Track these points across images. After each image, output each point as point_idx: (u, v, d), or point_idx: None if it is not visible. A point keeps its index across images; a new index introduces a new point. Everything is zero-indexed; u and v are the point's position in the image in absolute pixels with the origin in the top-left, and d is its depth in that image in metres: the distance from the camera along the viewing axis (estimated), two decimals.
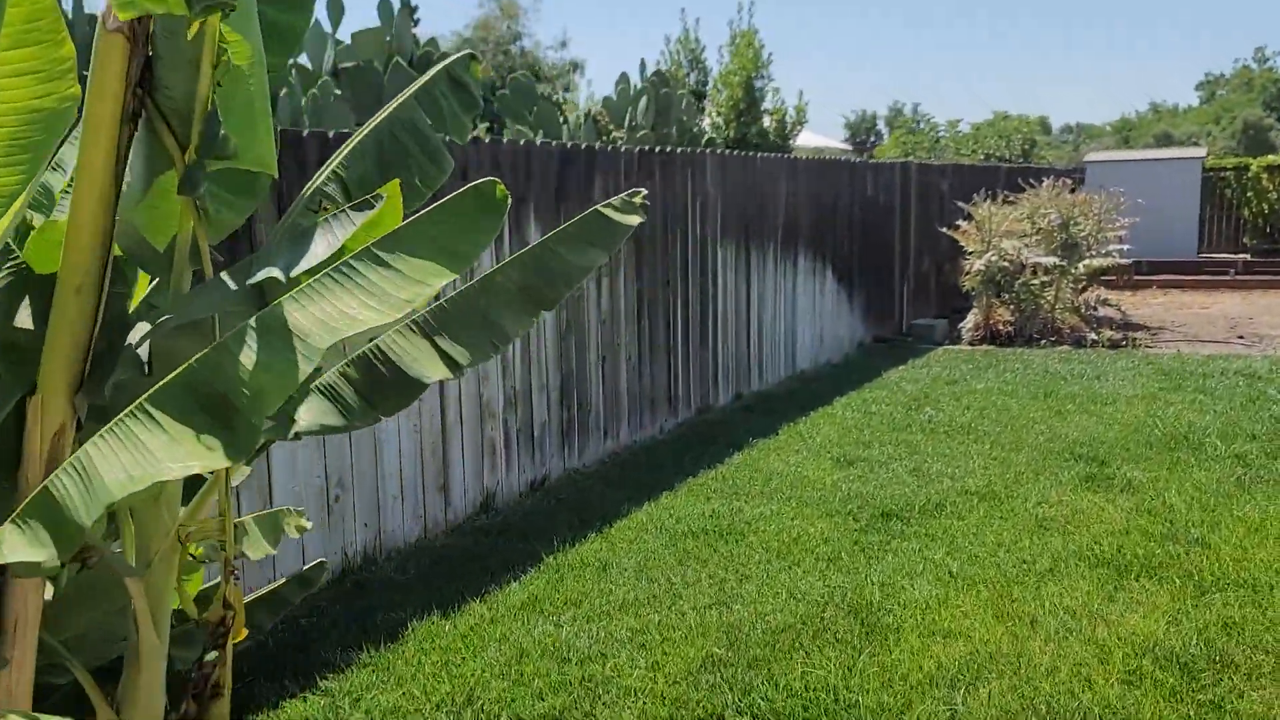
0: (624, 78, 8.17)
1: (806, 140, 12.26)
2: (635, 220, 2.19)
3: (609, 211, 2.20)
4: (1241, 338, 10.73)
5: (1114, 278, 14.73)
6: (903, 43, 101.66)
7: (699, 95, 10.29)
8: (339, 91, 5.51)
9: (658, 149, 6.72)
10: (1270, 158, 20.90)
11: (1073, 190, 11.62)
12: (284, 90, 5.13)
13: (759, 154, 8.03)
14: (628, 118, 7.95)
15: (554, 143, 5.75)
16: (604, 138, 7.58)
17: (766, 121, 9.90)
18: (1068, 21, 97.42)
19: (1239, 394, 7.49)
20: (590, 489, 5.64)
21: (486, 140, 5.22)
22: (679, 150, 6.96)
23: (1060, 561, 4.36)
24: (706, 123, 9.92)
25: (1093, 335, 10.74)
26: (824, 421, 7.11)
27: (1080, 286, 12.13)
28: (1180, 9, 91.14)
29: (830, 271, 9.70)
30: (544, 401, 5.75)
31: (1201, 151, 19.63)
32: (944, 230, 11.53)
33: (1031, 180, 12.32)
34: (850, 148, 19.60)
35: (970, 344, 10.97)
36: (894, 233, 11.42)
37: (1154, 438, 6.34)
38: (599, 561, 4.50)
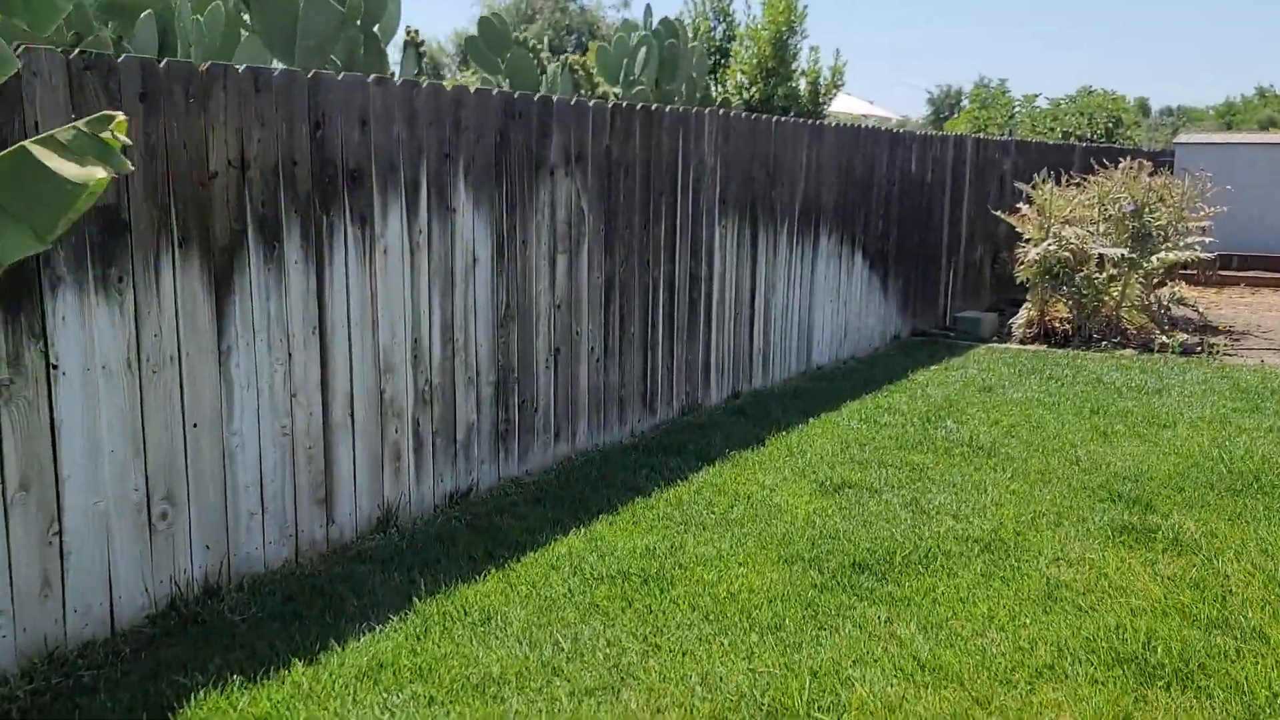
0: (626, 25, 7.17)
1: (851, 107, 11.11)
2: (97, 174, 1.26)
3: (43, 152, 1.27)
4: None
5: (1194, 273, 13.30)
6: (996, 15, 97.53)
7: (724, 52, 9.23)
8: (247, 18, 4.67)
9: (639, 105, 5.75)
10: None
11: (1152, 174, 10.29)
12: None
13: (775, 117, 7.00)
14: (623, 71, 6.97)
15: (496, 90, 4.83)
16: (583, 91, 6.62)
17: (801, 85, 8.82)
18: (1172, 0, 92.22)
19: None
20: (518, 506, 4.77)
21: (398, 81, 4.32)
22: (668, 108, 5.98)
23: (1066, 653, 3.36)
24: (730, 83, 8.88)
25: (1163, 338, 9.47)
26: (822, 432, 6.12)
27: (1154, 282, 10.81)
28: None
29: (860, 256, 8.63)
30: (472, 399, 4.87)
31: None
32: (998, 214, 10.31)
33: (1106, 161, 10.99)
34: (892, 117, 18.13)
35: (1021, 342, 9.79)
36: (942, 214, 10.24)
37: (1217, 476, 5.22)
38: (483, 610, 3.64)
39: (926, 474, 5.30)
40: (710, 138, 6.47)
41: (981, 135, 10.99)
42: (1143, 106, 60.47)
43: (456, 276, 4.71)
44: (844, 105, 10.81)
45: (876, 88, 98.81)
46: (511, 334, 5.07)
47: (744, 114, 6.68)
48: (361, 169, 4.15)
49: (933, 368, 8.13)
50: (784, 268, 7.51)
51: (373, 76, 4.16)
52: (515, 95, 4.93)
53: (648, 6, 7.09)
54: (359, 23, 4.83)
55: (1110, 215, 9.96)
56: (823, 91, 8.83)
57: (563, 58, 6.45)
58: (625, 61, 6.96)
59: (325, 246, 4.03)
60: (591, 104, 5.43)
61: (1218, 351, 8.90)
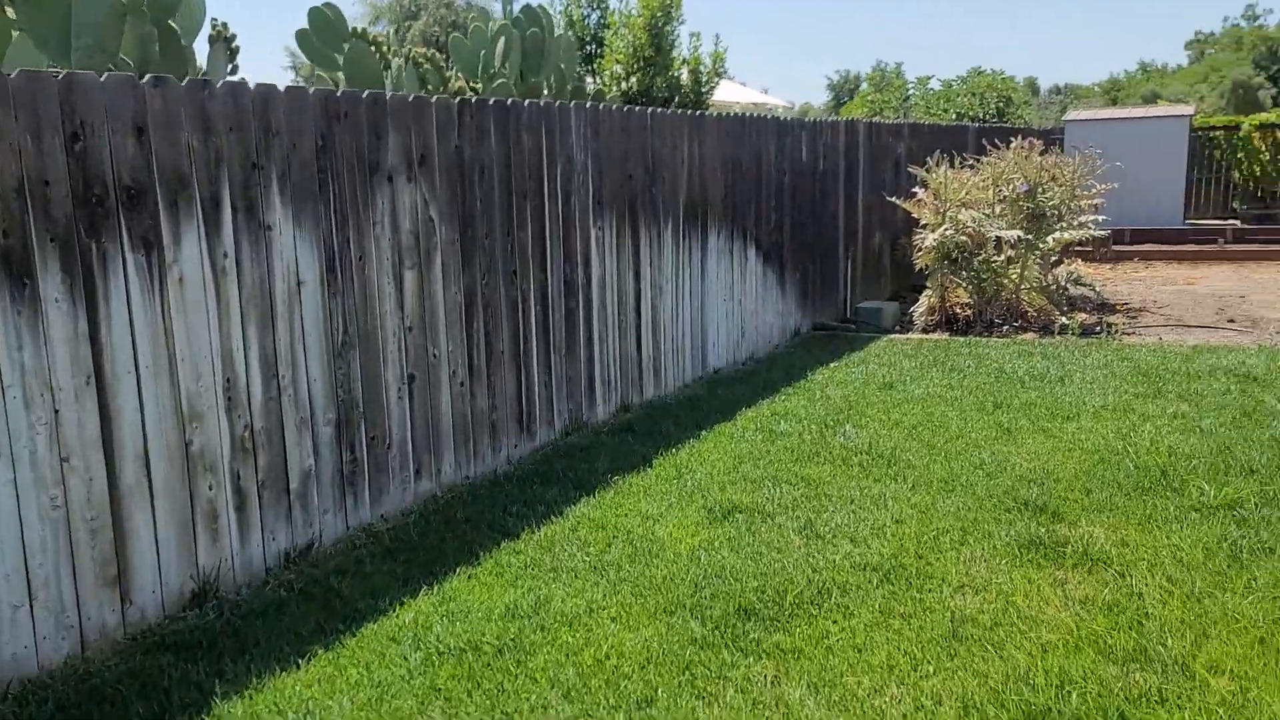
0: (483, 14, 6.58)
1: (745, 97, 10.71)
2: None
3: None
4: (1232, 321, 9.33)
5: (1090, 250, 13.32)
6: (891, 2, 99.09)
7: (600, 42, 8.70)
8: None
9: (493, 100, 5.19)
10: (1263, 115, 19.46)
11: (1043, 152, 10.14)
12: None
13: (651, 109, 6.51)
14: (481, 64, 6.39)
15: (313, 88, 4.22)
16: (430, 88, 6.04)
17: (683, 75, 8.32)
18: None
19: (1231, 404, 6.07)
20: (365, 561, 4.19)
21: (203, 81, 3.69)
22: (527, 102, 5.44)
23: (973, 710, 2.94)
24: (606, 75, 8.35)
25: (1063, 320, 9.31)
26: (714, 446, 5.67)
27: (1051, 262, 10.69)
28: None
29: (754, 251, 8.22)
30: (308, 441, 4.27)
31: (1189, 109, 18.12)
32: (894, 200, 10.04)
33: (999, 141, 10.81)
34: (786, 104, 17.87)
35: (923, 331, 9.53)
36: (838, 203, 9.92)
37: (1123, 474, 4.91)
38: (301, 708, 3.06)
39: (823, 490, 4.89)
40: (579, 133, 5.95)
41: (874, 119, 10.71)
42: (1032, 86, 62.06)
43: (278, 303, 4.10)
44: (738, 95, 10.41)
45: (778, 77, 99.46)
46: (353, 363, 4.48)
47: (617, 106, 6.18)
48: (141, 186, 3.51)
49: (833, 365, 7.76)
50: (671, 269, 7.04)
51: (148, 77, 3.52)
52: (339, 93, 4.33)
53: None
54: (148, 16, 4.16)
55: (1005, 196, 9.77)
56: (704, 80, 8.35)
57: (407, 50, 5.86)
58: (483, 54, 6.37)
59: (98, 279, 3.39)
60: (434, 100, 4.85)
61: (1116, 331, 8.75)
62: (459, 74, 6.54)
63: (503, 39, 6.36)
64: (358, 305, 4.49)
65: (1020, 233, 9.42)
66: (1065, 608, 3.55)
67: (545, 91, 6.92)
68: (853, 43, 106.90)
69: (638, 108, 6.42)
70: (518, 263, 5.52)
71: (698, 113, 7.16)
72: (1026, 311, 9.79)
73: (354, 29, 5.72)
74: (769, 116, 8.48)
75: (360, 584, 3.95)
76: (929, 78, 19.87)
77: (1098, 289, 10.70)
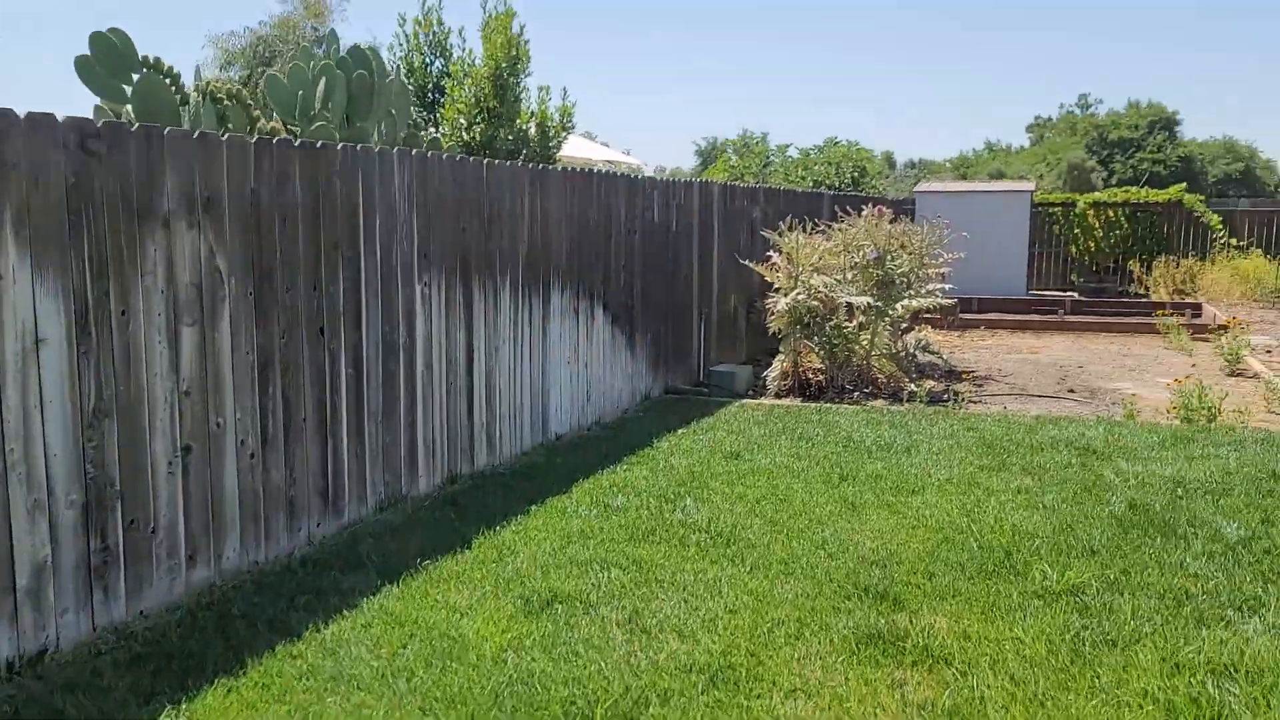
0: (305, 53, 6.09)
1: (598, 154, 10.48)
2: None
3: None
4: (1073, 391, 9.51)
5: (938, 318, 13.58)
6: (758, 71, 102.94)
7: (442, 90, 8.29)
8: None
9: (299, 141, 4.68)
10: (1097, 195, 20.61)
11: (893, 221, 10.23)
12: None
13: (487, 160, 6.11)
14: (299, 104, 5.87)
15: (65, 116, 3.64)
16: (230, 126, 5.49)
17: (531, 128, 7.98)
18: (912, 60, 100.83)
19: (1072, 478, 6.00)
20: (104, 673, 3.51)
21: None
22: (341, 145, 4.95)
23: None
24: (446, 125, 7.95)
25: (911, 387, 9.30)
26: (544, 524, 5.20)
27: (901, 329, 10.77)
28: (1013, 54, 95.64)
29: (602, 311, 7.88)
30: (43, 528, 3.60)
31: (1030, 185, 19.05)
32: (747, 263, 9.91)
33: (850, 209, 10.89)
34: (641, 164, 17.91)
35: (776, 396, 9.36)
36: (691, 264, 9.72)
37: (967, 555, 4.70)
38: None
39: (655, 574, 4.48)
40: (403, 182, 5.48)
41: (729, 182, 10.63)
42: (889, 159, 65.08)
43: (7, 364, 3.45)
44: (595, 153, 10.17)
45: (649, 141, 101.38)
46: (109, 434, 3.84)
47: (448, 155, 5.75)
48: None
49: (680, 431, 7.44)
50: (509, 329, 6.60)
51: None
52: (99, 124, 3.76)
53: (331, 32, 6.07)
54: None
55: (856, 263, 9.78)
56: (552, 134, 8.03)
57: (202, 83, 5.29)
58: (301, 94, 5.86)
59: None
60: (225, 139, 4.32)
61: (963, 399, 8.76)
62: (274, 115, 5.99)
63: (324, 79, 5.87)
64: (118, 367, 3.86)
65: (870, 299, 9.42)
66: (903, 714, 3.22)
67: (375, 138, 6.44)
68: (722, 111, 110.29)
69: (473, 158, 6.01)
70: (326, 320, 4.98)
71: (541, 166, 6.81)
72: (877, 378, 9.76)
73: (145, 58, 5.12)
74: (620, 174, 8.22)
75: (92, 702, 3.28)
76: (788, 145, 20.32)
77: (945, 357, 10.81)
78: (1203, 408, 7.81)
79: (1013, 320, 14.65)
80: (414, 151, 5.50)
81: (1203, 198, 19.31)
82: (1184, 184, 20.10)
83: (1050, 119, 68.01)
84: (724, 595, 4.23)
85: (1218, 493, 5.61)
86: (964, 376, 10.27)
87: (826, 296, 9.47)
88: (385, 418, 5.45)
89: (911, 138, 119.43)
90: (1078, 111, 65.85)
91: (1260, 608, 4.04)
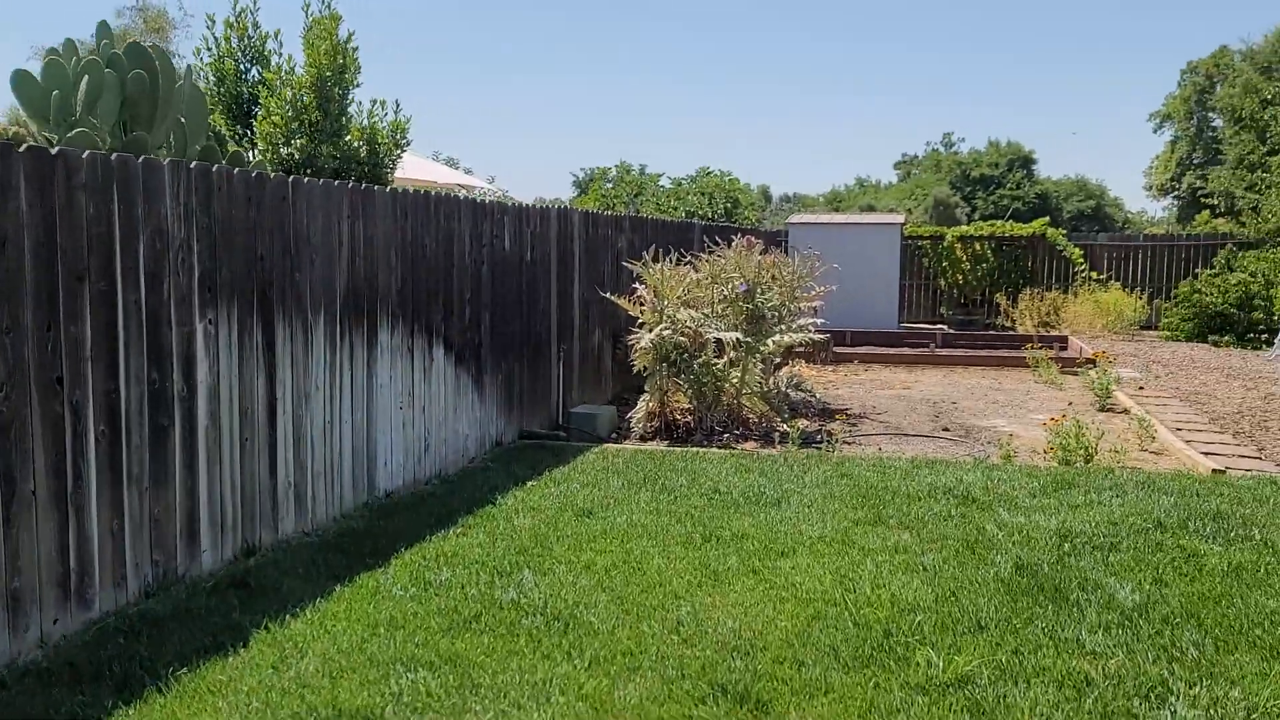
0: (69, 46, 5.10)
1: (446, 177, 9.65)
2: None
3: None
4: (947, 430, 9.15)
5: (812, 352, 13.20)
6: (640, 109, 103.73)
7: (256, 100, 7.35)
8: None
9: (25, 147, 3.74)
10: (964, 229, 20.87)
11: (764, 252, 9.75)
12: None
13: (293, 178, 5.24)
14: (54, 106, 4.88)
15: None
16: None
17: (363, 146, 7.10)
18: (787, 94, 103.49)
19: (953, 533, 5.48)
20: None
21: None
22: (87, 153, 4.02)
23: None
24: (260, 140, 7.01)
25: (784, 427, 8.77)
26: (348, 608, 4.32)
27: (774, 365, 10.27)
28: (882, 93, 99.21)
29: (442, 350, 7.04)
30: None
31: (900, 219, 19.12)
32: (610, 297, 9.23)
33: (720, 240, 10.37)
34: (499, 190, 17.15)
35: (641, 439, 8.67)
36: (549, 297, 8.99)
37: (842, 635, 4.05)
38: None
39: (472, 676, 3.67)
40: (176, 200, 4.56)
41: (591, 210, 9.97)
42: (765, 193, 66.20)
43: None
44: (450, 178, 9.30)
45: (526, 171, 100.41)
46: None
47: (240, 171, 4.86)
48: None
49: (530, 484, 6.64)
50: (324, 373, 5.70)
51: None
52: None
53: (101, 24, 5.09)
54: None
55: (726, 296, 9.23)
56: (382, 152, 7.18)
57: None
58: (55, 94, 4.86)
59: None
60: None
61: (837, 440, 8.25)
62: (25, 119, 4.99)
63: (87, 78, 4.90)
64: None
65: (740, 334, 8.86)
66: None
67: (162, 151, 5.49)
68: (605, 145, 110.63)
69: (275, 175, 5.13)
70: (67, 368, 4.01)
71: (365, 186, 5.97)
72: (748, 418, 9.20)
73: None
74: (465, 197, 7.43)
75: None
76: (660, 175, 19.88)
77: (818, 395, 10.36)
78: (1080, 448, 7.49)
79: (885, 354, 14.43)
80: (193, 165, 4.59)
81: (1064, 232, 19.75)
82: (1046, 218, 20.55)
83: (917, 156, 70.49)
84: (552, 703, 3.46)
85: (1106, 547, 5.16)
86: (838, 415, 9.82)
87: (694, 332, 8.87)
88: (154, 484, 4.48)
89: (787, 173, 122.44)
90: (942, 149, 68.44)
91: (1168, 695, 3.51)
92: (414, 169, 9.10)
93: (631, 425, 8.79)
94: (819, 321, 9.45)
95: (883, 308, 17.32)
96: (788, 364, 10.81)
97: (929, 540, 5.33)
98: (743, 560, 5.02)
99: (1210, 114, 42.43)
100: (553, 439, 8.44)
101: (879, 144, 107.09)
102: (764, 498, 6.25)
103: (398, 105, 7.50)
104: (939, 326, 19.08)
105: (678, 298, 8.92)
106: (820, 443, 8.31)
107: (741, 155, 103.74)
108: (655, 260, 9.14)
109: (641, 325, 8.93)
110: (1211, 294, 16.31)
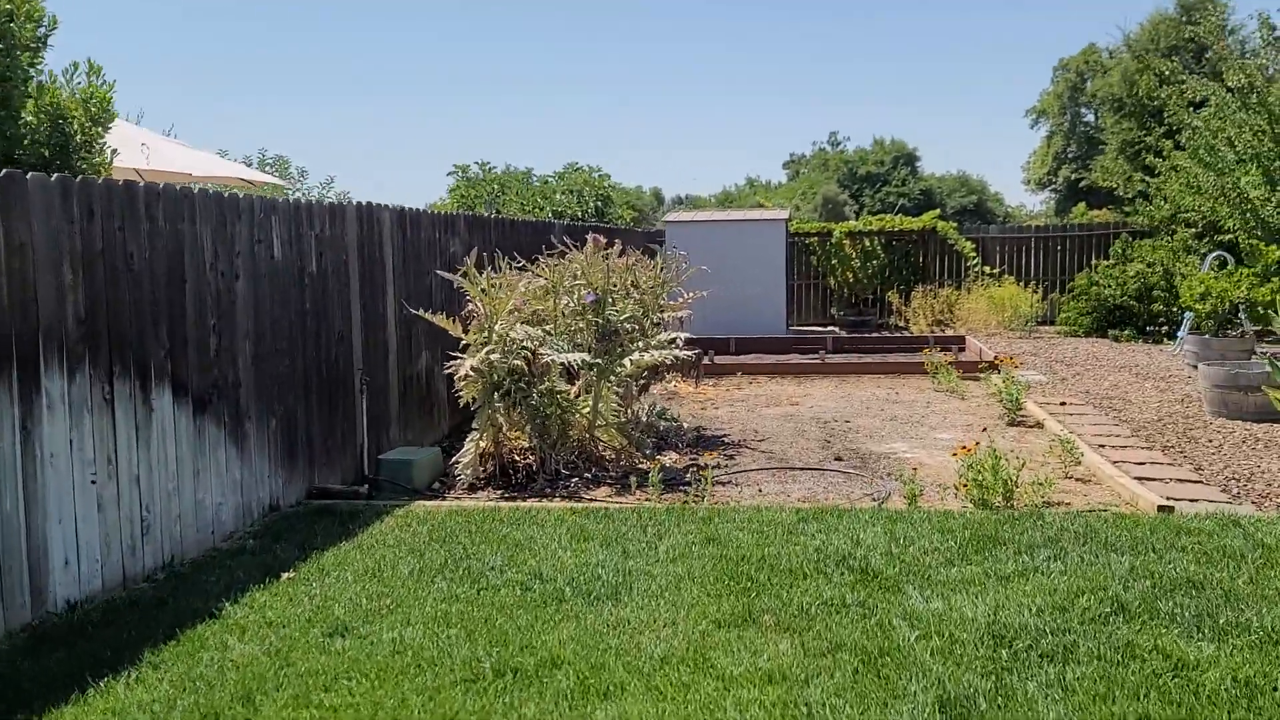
0: None
1: (220, 170, 7.73)
2: None
3: None
4: (840, 459, 7.69)
5: (687, 367, 11.67)
6: (514, 105, 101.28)
7: None
8: None
9: None
10: (852, 224, 19.75)
11: (623, 253, 8.16)
12: None
13: None
14: None
15: None
16: None
17: (41, 125, 5.18)
18: (675, 96, 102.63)
19: (850, 638, 3.93)
20: None
21: None
22: None
23: None
24: None
25: (645, 464, 7.19)
26: None
27: (643, 386, 8.68)
28: (767, 92, 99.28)
29: (172, 395, 5.20)
30: None
31: (784, 213, 17.81)
32: (423, 314, 7.46)
33: (569, 240, 8.73)
34: (279, 179, 15.14)
35: (470, 488, 6.96)
36: (350, 316, 7.19)
37: None
38: None
39: None
40: None
41: (411, 208, 8.20)
42: (657, 195, 65.07)
43: None
44: (215, 169, 7.37)
45: (405, 177, 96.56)
46: None
47: None
48: None
49: (286, 577, 4.86)
50: None
51: None
52: None
53: None
54: None
55: (573, 309, 7.59)
56: (74, 131, 5.27)
57: None
58: None
59: None
60: None
61: (707, 482, 6.67)
62: None
63: None
64: None
65: (586, 355, 7.22)
66: None
67: None
68: (490, 151, 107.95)
69: None
70: None
71: (7, 172, 4.11)
72: (604, 455, 7.58)
73: None
74: (202, 190, 5.59)
75: None
76: (528, 171, 18.13)
77: (693, 419, 8.83)
78: (997, 484, 6.10)
79: (772, 363, 13.03)
80: None
81: (955, 225, 18.80)
82: (936, 211, 19.58)
83: (804, 156, 70.42)
84: None
85: (1058, 655, 3.69)
86: (713, 442, 8.28)
87: (534, 353, 7.20)
88: None
89: (679, 176, 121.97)
90: (829, 148, 68.51)
91: None
92: (165, 160, 7.22)
93: (456, 473, 7.05)
94: (684, 336, 7.88)
95: (770, 311, 15.98)
96: (658, 382, 9.25)
97: (817, 653, 3.77)
98: (542, 709, 3.37)
99: (1083, 109, 43.00)
100: (351, 497, 6.64)
101: (768, 144, 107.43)
102: (599, 585, 4.61)
103: (99, 70, 5.58)
104: (830, 329, 17.88)
105: (510, 312, 7.23)
106: (688, 484, 6.74)
107: (634, 159, 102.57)
108: (471, 266, 7.43)
109: (466, 347, 7.21)
110: (1110, 286, 15.46)
